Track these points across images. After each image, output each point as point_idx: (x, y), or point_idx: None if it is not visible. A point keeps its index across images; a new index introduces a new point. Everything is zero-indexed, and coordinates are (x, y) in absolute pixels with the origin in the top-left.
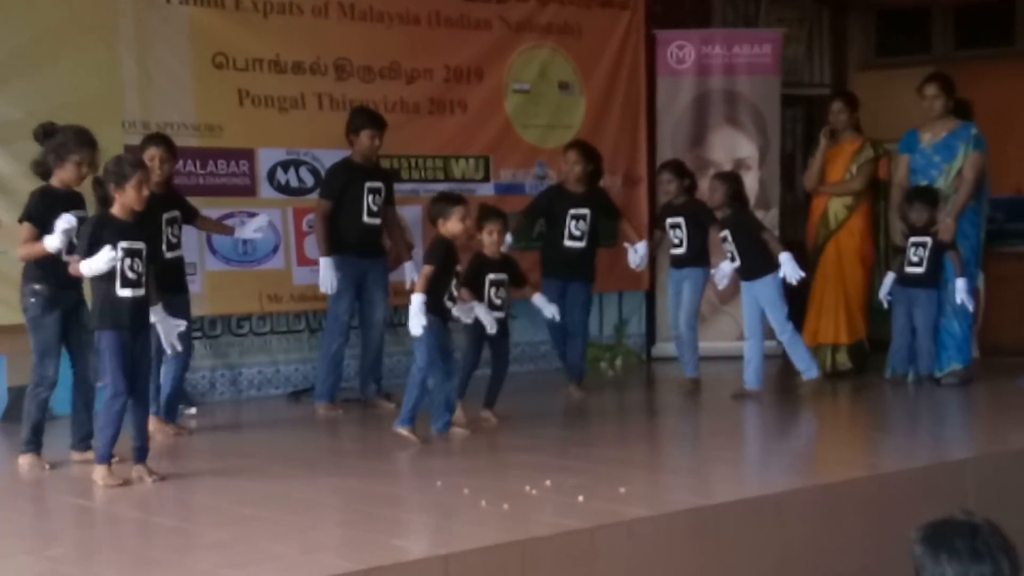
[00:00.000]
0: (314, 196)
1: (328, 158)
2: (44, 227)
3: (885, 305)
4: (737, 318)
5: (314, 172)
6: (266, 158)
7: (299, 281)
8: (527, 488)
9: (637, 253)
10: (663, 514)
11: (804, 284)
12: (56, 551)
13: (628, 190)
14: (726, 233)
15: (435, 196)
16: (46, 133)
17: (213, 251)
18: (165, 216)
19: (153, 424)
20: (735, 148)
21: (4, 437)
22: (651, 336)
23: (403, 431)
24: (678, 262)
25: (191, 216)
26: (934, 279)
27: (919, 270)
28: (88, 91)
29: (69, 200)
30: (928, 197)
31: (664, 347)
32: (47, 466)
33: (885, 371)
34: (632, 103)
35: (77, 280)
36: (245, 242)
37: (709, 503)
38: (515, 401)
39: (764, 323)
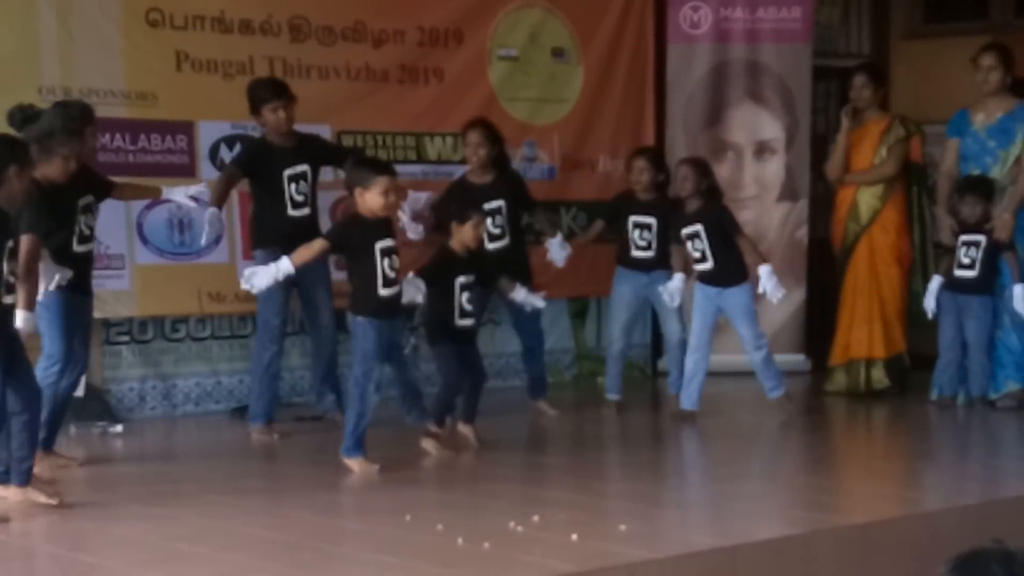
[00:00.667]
0: None
1: None
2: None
3: (930, 315)
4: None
5: None
6: (208, 132)
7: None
8: (511, 524)
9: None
10: (670, 557)
11: (833, 291)
12: None
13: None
14: (697, 229)
15: (355, 160)
16: (26, 118)
17: (144, 241)
18: (80, 203)
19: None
20: (757, 128)
21: None
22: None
23: (350, 462)
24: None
25: (107, 190)
26: (988, 285)
27: (971, 274)
28: (0, 51)
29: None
30: (981, 189)
31: None
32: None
33: (930, 391)
34: (638, 73)
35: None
36: (182, 231)
37: (724, 544)
38: (498, 421)
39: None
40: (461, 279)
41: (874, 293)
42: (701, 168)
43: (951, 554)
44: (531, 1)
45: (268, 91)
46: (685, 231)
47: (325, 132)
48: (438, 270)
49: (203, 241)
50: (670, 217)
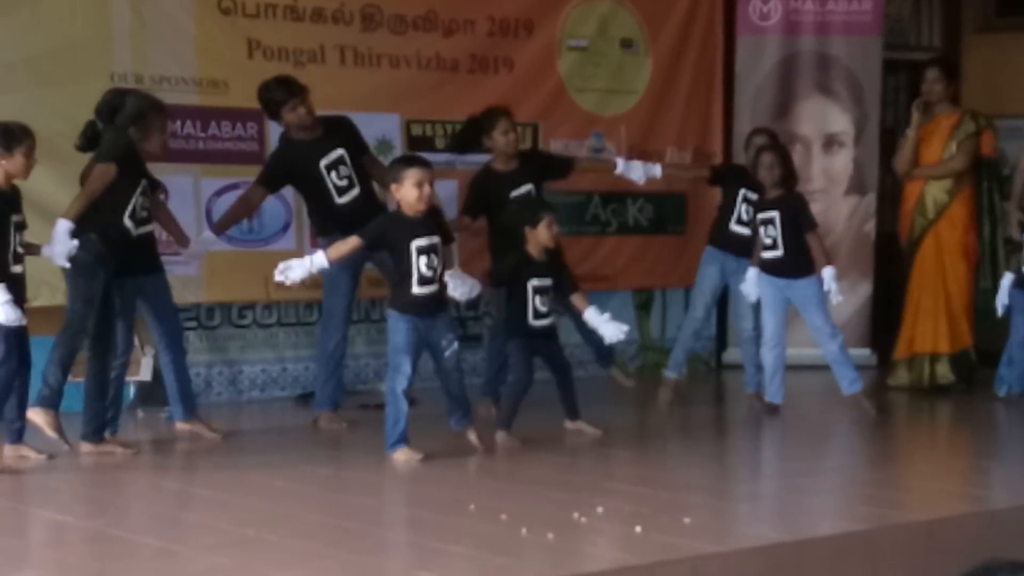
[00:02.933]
0: None
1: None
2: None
3: (1001, 312)
4: None
5: None
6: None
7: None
8: (575, 515)
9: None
10: (734, 551)
11: (899, 285)
12: (26, 574)
13: (699, 167)
14: (773, 216)
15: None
16: (112, 106)
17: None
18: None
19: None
20: (826, 121)
21: None
22: (722, 340)
23: (396, 454)
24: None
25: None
26: None
27: None
28: (72, 37)
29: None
30: None
31: (737, 353)
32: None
33: (998, 388)
34: (706, 65)
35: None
36: (250, 218)
37: (788, 539)
38: (559, 412)
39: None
40: (535, 282)
41: (940, 288)
42: (785, 155)
43: (1020, 552)
44: None
45: (282, 92)
46: (761, 216)
47: (395, 121)
48: (513, 273)
49: (195, 267)
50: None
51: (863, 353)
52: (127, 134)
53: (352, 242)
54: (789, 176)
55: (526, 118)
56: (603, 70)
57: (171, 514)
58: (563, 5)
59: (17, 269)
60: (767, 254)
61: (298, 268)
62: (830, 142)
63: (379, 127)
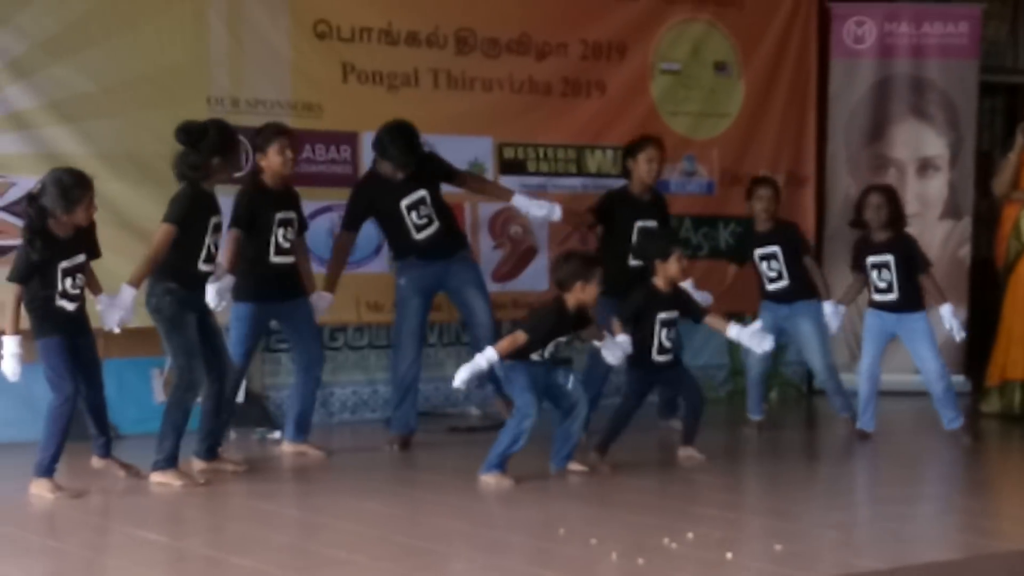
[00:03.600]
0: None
1: (445, 145)
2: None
3: None
4: None
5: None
6: (371, 143)
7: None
8: (665, 540)
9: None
10: None
11: (995, 310)
12: None
13: (792, 191)
14: (888, 260)
15: (567, 255)
16: (192, 134)
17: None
18: (279, 216)
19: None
20: (921, 144)
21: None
22: None
23: (486, 477)
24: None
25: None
26: None
27: None
28: (171, 62)
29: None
30: None
31: None
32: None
33: None
34: (800, 88)
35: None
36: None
37: (882, 567)
38: (647, 437)
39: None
40: (662, 315)
41: None
42: (892, 196)
43: None
44: (694, 15)
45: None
46: (873, 260)
47: (487, 144)
48: (641, 307)
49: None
50: (803, 245)
51: (957, 380)
52: (191, 186)
53: (521, 338)
54: (898, 218)
55: (617, 141)
56: (696, 93)
57: (262, 535)
58: (656, 28)
59: (70, 307)
60: (880, 297)
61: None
62: (925, 166)
63: (471, 150)
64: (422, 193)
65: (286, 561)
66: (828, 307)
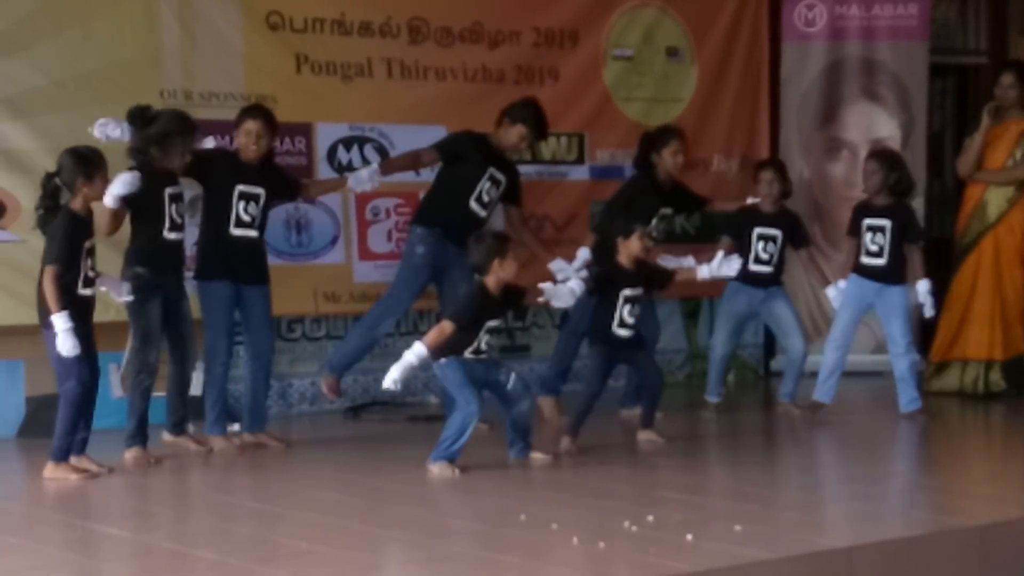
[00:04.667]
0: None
1: (399, 135)
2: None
3: None
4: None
5: (381, 151)
6: (326, 134)
7: (361, 278)
8: (626, 524)
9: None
10: (786, 558)
11: (939, 288)
12: None
13: (746, 175)
14: (885, 224)
15: (476, 238)
16: (145, 119)
17: None
18: (239, 188)
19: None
20: (873, 126)
21: (23, 453)
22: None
23: (432, 467)
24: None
25: (294, 190)
26: None
27: None
28: (122, 55)
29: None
30: None
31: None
32: (153, 460)
33: None
34: (752, 73)
35: (179, 266)
36: (299, 231)
37: (840, 545)
38: (608, 422)
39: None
40: (627, 292)
41: (996, 293)
42: (890, 162)
43: None
44: (646, 1)
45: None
46: (869, 222)
47: (441, 133)
48: (606, 281)
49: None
50: (799, 229)
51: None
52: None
53: (448, 328)
54: (898, 183)
55: (572, 128)
56: (649, 79)
57: (224, 527)
58: (608, 15)
59: (87, 292)
60: (870, 260)
61: (400, 369)
62: (876, 147)
63: (426, 139)
64: (502, 178)
65: (247, 552)
66: (832, 289)
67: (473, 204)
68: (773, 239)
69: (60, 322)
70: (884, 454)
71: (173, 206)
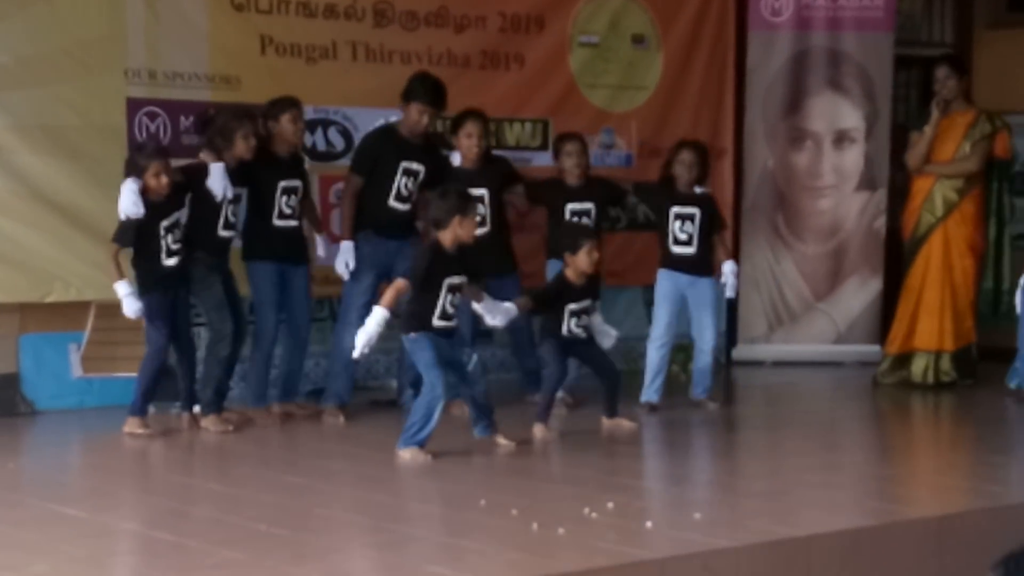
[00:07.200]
0: (345, 162)
1: (363, 118)
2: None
3: (1020, 310)
4: (835, 318)
5: (345, 134)
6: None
7: (324, 261)
8: (586, 510)
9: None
10: (744, 545)
11: (901, 279)
12: (37, 568)
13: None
14: (694, 212)
15: (442, 192)
16: (205, 122)
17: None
18: (282, 184)
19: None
20: (837, 117)
21: None
22: (732, 336)
23: (403, 452)
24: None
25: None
26: None
27: None
28: (87, 34)
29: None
30: None
31: (748, 349)
32: (231, 427)
33: (1010, 379)
34: (718, 61)
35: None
36: None
37: (798, 534)
38: (570, 411)
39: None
40: (572, 306)
41: (946, 284)
42: (705, 155)
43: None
44: None
45: (427, 93)
46: (677, 210)
47: None
48: (552, 297)
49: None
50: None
51: (873, 349)
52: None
53: (400, 286)
54: (705, 176)
55: (537, 114)
56: (614, 66)
57: (183, 509)
58: (575, 1)
59: (171, 262)
60: (680, 249)
61: (363, 335)
62: (841, 138)
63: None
64: (418, 167)
65: (207, 534)
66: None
67: (393, 203)
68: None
69: (121, 288)
70: (842, 444)
71: (231, 207)
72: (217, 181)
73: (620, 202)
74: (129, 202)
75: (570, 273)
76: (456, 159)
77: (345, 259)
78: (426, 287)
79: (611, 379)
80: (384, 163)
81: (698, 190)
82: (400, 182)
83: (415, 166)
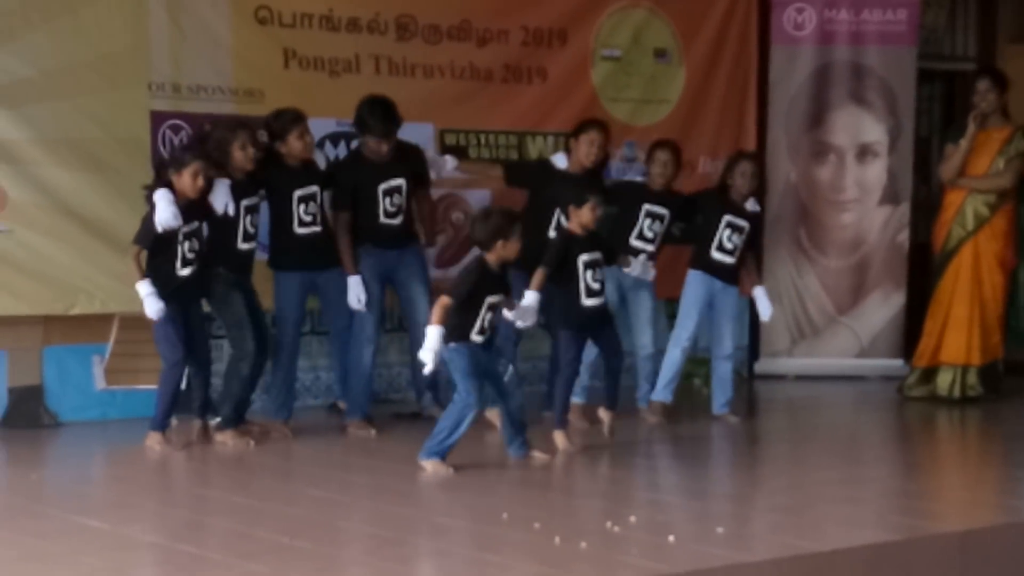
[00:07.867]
0: None
1: None
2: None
3: None
4: (858, 332)
5: None
6: (313, 129)
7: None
8: (608, 524)
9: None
10: (767, 560)
11: (925, 293)
12: None
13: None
14: (745, 226)
15: (485, 212)
16: (201, 139)
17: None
18: (298, 193)
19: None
20: (860, 130)
21: (5, 444)
22: (754, 350)
23: (426, 463)
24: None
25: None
26: None
27: None
28: (111, 48)
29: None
30: None
31: (770, 363)
32: (250, 441)
33: None
34: (740, 75)
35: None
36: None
37: (822, 548)
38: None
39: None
40: (585, 257)
41: (975, 299)
42: (762, 168)
43: None
44: (635, 1)
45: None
46: (730, 219)
47: (428, 131)
48: (560, 253)
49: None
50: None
51: (896, 363)
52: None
53: (445, 302)
54: (763, 189)
55: (559, 127)
56: (636, 80)
57: (206, 521)
58: (597, 15)
59: (185, 272)
60: (721, 256)
61: (430, 353)
62: (864, 152)
63: (413, 136)
64: (399, 182)
65: (230, 547)
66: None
67: (384, 220)
68: (660, 218)
69: (143, 288)
70: (865, 458)
71: (248, 217)
72: (219, 197)
73: (690, 219)
74: (169, 214)
75: (573, 226)
76: (561, 162)
77: (356, 294)
78: (468, 304)
79: (615, 367)
80: (363, 190)
81: (752, 207)
82: (384, 203)
83: (395, 182)
